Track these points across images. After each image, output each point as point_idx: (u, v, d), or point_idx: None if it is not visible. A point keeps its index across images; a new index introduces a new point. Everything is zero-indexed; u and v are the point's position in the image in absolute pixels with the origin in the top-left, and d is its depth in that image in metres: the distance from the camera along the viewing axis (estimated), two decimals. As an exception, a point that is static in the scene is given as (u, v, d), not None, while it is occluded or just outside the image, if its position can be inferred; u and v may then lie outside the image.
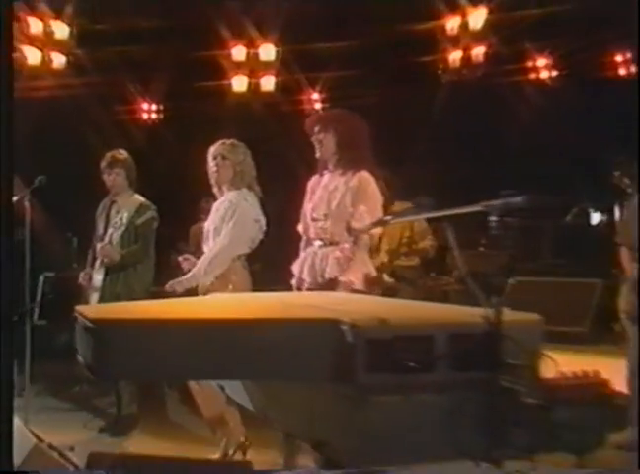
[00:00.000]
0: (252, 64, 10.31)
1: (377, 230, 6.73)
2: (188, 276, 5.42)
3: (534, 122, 9.42)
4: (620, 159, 6.42)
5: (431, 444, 2.89)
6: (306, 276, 5.07)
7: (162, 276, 6.71)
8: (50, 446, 4.81)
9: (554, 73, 9.71)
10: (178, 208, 8.64)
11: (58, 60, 9.70)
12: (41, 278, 8.19)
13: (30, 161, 8.44)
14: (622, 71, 9.37)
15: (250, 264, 5.65)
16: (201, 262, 5.44)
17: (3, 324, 2.99)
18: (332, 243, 5.01)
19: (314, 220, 5.10)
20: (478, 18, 9.29)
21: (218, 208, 5.60)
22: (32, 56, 9.57)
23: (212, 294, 5.12)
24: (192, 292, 5.42)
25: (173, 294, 5.65)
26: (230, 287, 5.38)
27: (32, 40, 9.51)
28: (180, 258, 5.70)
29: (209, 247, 5.55)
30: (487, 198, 3.21)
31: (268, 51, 10.19)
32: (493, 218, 9.14)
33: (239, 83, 10.42)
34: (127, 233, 6.51)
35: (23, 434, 4.69)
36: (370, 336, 2.80)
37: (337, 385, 2.88)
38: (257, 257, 5.94)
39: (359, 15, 9.28)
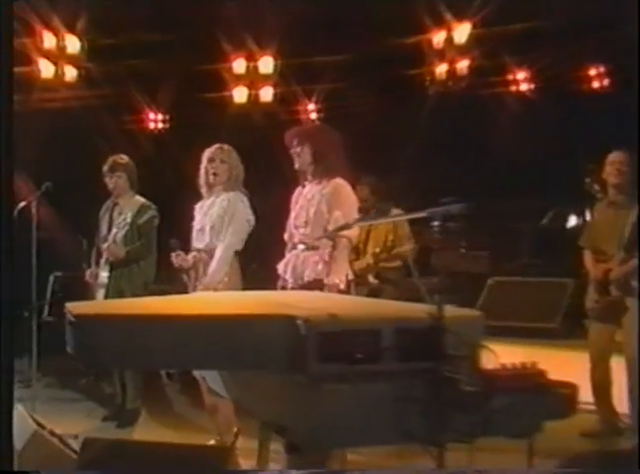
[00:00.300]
0: (252, 76, 10.37)
1: (362, 233, 6.92)
2: (208, 277, 5.58)
3: (515, 131, 9.52)
4: (590, 166, 6.52)
5: (379, 429, 3.01)
6: (289, 278, 5.24)
7: (163, 273, 6.88)
8: (52, 433, 4.94)
9: (532, 85, 9.81)
10: (181, 210, 8.75)
11: (70, 73, 9.80)
12: (51, 278, 8.34)
13: (44, 167, 8.65)
14: (595, 84, 9.49)
15: (247, 264, 5.85)
16: (217, 261, 5.59)
17: (4, 321, 3.05)
18: (313, 248, 5.16)
19: (296, 228, 5.27)
20: (462, 33, 9.39)
21: (211, 207, 5.77)
22: (45, 69, 9.68)
23: (199, 292, 5.26)
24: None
25: (172, 290, 5.82)
26: (226, 279, 5.57)
27: (45, 54, 9.62)
28: (172, 254, 5.84)
29: (205, 243, 5.71)
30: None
31: (267, 64, 10.26)
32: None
33: (240, 94, 10.51)
34: (130, 232, 6.65)
35: (24, 421, 4.81)
36: (321, 329, 2.94)
37: (292, 374, 3.01)
38: (254, 257, 6.09)
39: (352, 30, 9.37)
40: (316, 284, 4.99)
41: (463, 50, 9.50)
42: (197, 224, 5.84)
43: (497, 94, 9.97)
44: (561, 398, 3.47)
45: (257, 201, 5.92)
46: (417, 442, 3.02)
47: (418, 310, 3.07)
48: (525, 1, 8.50)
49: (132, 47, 9.56)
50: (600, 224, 6.29)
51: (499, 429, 3.09)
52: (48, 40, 9.52)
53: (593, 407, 6.28)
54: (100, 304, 4.09)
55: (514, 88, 9.93)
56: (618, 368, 6.22)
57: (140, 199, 6.79)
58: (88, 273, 6.74)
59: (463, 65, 9.60)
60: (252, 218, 5.75)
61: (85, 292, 6.80)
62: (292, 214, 5.33)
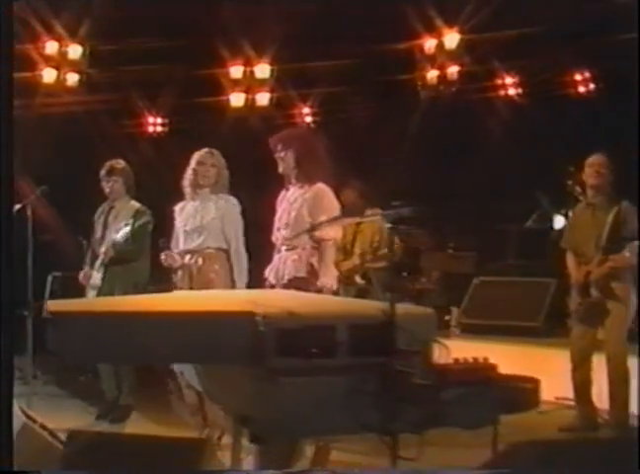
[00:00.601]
0: (249, 82, 10.52)
1: (348, 234, 7.05)
2: (240, 278, 5.78)
3: (503, 134, 9.65)
4: (572, 169, 6.58)
5: (334, 419, 3.15)
6: (272, 279, 5.38)
7: (156, 275, 6.99)
8: (42, 426, 5.06)
9: (520, 90, 9.93)
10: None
11: (72, 78, 9.94)
12: (50, 278, 8.47)
13: (46, 169, 8.80)
14: (581, 89, 9.62)
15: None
16: (241, 259, 5.83)
17: (3, 320, 3.12)
18: (292, 248, 5.29)
19: (278, 229, 5.41)
20: (453, 39, 9.53)
21: (200, 209, 5.93)
22: (48, 75, 9.83)
23: (178, 291, 5.41)
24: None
25: (164, 292, 5.95)
26: (212, 276, 5.73)
27: (48, 60, 9.77)
28: (162, 254, 5.99)
29: (197, 244, 5.88)
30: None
31: (263, 70, 10.40)
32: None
33: (237, 99, 10.63)
34: (125, 236, 6.72)
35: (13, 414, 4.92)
36: (280, 326, 3.08)
37: (254, 368, 3.15)
38: (249, 257, 6.22)
39: (346, 36, 9.50)
40: (296, 283, 5.12)
41: (454, 56, 9.62)
42: (184, 226, 5.98)
43: (486, 98, 10.08)
44: (520, 392, 3.57)
45: (255, 204, 6.08)
46: (371, 433, 3.15)
47: (372, 307, 3.20)
48: (514, 8, 8.62)
49: (132, 53, 9.70)
50: (580, 226, 6.35)
51: (451, 420, 3.22)
52: (51, 47, 9.67)
53: (572, 403, 6.38)
54: (76, 302, 4.23)
55: (502, 93, 10.05)
56: (599, 367, 6.28)
57: (136, 204, 6.88)
58: (82, 274, 6.82)
59: (453, 71, 9.71)
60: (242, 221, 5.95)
61: (83, 292, 6.89)
62: (276, 216, 5.46)
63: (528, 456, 2.77)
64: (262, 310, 3.12)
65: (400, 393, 3.11)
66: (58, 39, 9.66)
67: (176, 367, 4.79)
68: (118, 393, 6.77)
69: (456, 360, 3.31)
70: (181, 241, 6.00)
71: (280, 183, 5.71)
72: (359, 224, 7.53)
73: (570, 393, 6.37)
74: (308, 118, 11.00)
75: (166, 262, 5.96)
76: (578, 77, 9.57)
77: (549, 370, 6.76)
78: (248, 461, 3.90)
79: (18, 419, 4.78)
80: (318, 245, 5.23)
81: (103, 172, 6.84)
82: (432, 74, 9.92)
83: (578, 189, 6.54)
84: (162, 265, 6.15)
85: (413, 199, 9.20)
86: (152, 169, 9.78)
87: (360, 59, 9.89)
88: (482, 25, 9.11)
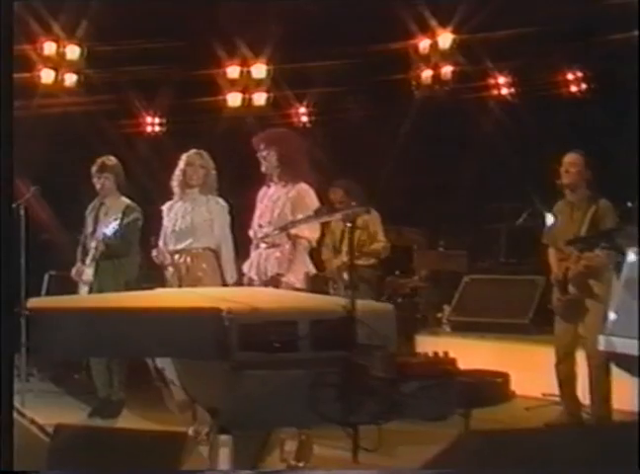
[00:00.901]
0: (245, 82, 10.67)
1: (337, 233, 7.17)
2: (231, 276, 5.97)
3: (494, 133, 9.75)
4: (556, 168, 6.66)
5: (297, 411, 3.28)
6: (253, 275, 5.51)
7: (147, 272, 7.12)
8: (32, 421, 5.20)
9: (512, 90, 10.04)
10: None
11: (70, 79, 10.09)
12: (46, 276, 8.60)
13: (46, 170, 8.94)
14: (573, 88, 9.73)
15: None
16: (230, 259, 6.03)
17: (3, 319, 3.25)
18: (274, 246, 5.43)
19: (260, 226, 5.53)
20: (446, 39, 9.65)
21: (189, 209, 6.08)
22: (46, 76, 9.98)
23: (159, 289, 5.55)
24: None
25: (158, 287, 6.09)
26: (199, 274, 5.88)
27: (46, 61, 9.92)
28: (154, 251, 6.14)
29: (187, 244, 6.04)
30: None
31: (260, 70, 10.56)
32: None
33: (234, 99, 10.77)
34: (115, 231, 6.82)
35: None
36: (243, 321, 3.22)
37: (219, 362, 3.29)
38: (240, 255, 6.36)
39: (341, 37, 9.62)
40: (277, 279, 5.26)
41: (447, 56, 9.75)
42: (174, 225, 6.13)
43: (479, 98, 10.20)
44: (488, 386, 3.67)
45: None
46: (332, 424, 3.28)
47: (333, 303, 3.33)
48: (508, 9, 8.73)
49: (130, 54, 9.85)
50: (560, 223, 6.46)
51: (411, 412, 3.35)
52: (49, 48, 9.82)
53: (558, 399, 6.48)
54: (55, 299, 4.38)
55: (495, 92, 10.16)
56: (583, 362, 6.36)
57: (126, 201, 6.99)
58: (74, 270, 6.93)
59: (447, 70, 9.84)
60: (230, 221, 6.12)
61: (77, 290, 7.01)
62: (257, 213, 5.59)
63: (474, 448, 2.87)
64: (227, 306, 3.26)
65: (360, 386, 3.24)
66: (56, 40, 9.80)
67: (159, 364, 4.93)
68: (110, 390, 6.89)
69: (416, 355, 3.44)
70: (171, 240, 6.14)
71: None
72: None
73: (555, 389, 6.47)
74: (304, 118, 11.12)
75: (157, 259, 6.13)
76: (570, 77, 9.67)
77: (536, 367, 6.91)
78: (223, 453, 4.03)
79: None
80: (293, 243, 5.36)
81: (94, 168, 6.93)
82: (426, 74, 10.03)
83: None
84: (154, 261, 6.30)
85: (405, 198, 9.37)
86: (149, 168, 9.90)
87: (355, 59, 10.02)
88: (476, 25, 9.23)
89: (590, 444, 3.03)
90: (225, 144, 9.37)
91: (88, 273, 6.80)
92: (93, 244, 6.79)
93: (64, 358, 6.33)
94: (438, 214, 9.67)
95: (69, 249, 8.10)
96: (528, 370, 7.05)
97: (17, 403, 5.36)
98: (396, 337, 3.43)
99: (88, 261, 6.82)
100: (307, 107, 11.14)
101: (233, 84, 10.70)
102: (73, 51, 9.96)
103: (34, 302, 3.62)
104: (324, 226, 6.28)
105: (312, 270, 5.46)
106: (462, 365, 6.46)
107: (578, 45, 9.17)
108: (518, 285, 8.23)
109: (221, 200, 6.17)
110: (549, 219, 8.77)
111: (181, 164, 6.19)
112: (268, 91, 10.74)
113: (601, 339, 3.95)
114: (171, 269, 6.13)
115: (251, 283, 5.52)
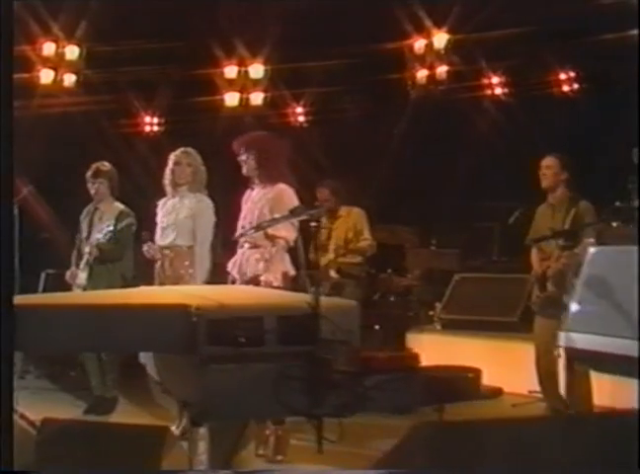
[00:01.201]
0: (243, 81, 10.80)
1: (324, 231, 7.31)
2: (200, 275, 6.10)
3: (488, 133, 9.88)
4: None
5: (264, 404, 3.43)
6: (236, 274, 5.66)
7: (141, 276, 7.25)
8: (22, 416, 5.36)
9: (507, 89, 10.16)
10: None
11: (69, 79, 10.23)
12: (43, 275, 8.75)
13: (45, 169, 9.09)
14: (565, 88, 9.84)
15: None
16: (203, 258, 6.11)
17: (3, 318, 3.30)
18: (255, 246, 5.57)
19: (243, 227, 5.68)
20: (441, 39, 9.78)
21: (176, 207, 6.24)
22: (45, 76, 10.13)
23: (142, 287, 5.69)
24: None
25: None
26: (182, 272, 6.04)
27: (45, 61, 10.07)
28: (145, 246, 6.29)
29: (169, 241, 6.20)
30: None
31: (257, 70, 10.68)
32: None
33: (231, 98, 10.91)
34: (108, 236, 6.96)
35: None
36: (211, 317, 3.37)
37: (188, 356, 3.44)
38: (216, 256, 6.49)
39: (338, 37, 9.74)
40: (257, 280, 5.40)
41: (442, 57, 9.89)
42: (161, 222, 6.28)
43: (473, 97, 10.32)
44: (458, 381, 3.82)
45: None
46: (297, 416, 3.43)
47: (298, 300, 3.48)
48: (503, 8, 8.84)
49: (129, 54, 9.98)
50: (542, 223, 6.60)
51: (373, 405, 3.49)
52: (48, 48, 9.97)
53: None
54: (37, 296, 4.54)
55: (489, 92, 10.29)
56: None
57: (120, 206, 7.13)
58: (68, 273, 7.08)
59: (442, 70, 9.97)
60: (215, 219, 6.23)
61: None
62: (242, 214, 5.74)
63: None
64: (196, 303, 3.41)
65: (324, 379, 3.38)
66: (56, 41, 9.95)
67: (142, 359, 5.08)
68: (104, 388, 7.04)
69: (379, 348, 3.58)
70: (159, 236, 6.30)
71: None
72: (333, 222, 7.83)
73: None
74: (301, 118, 11.27)
75: (148, 253, 6.28)
76: (563, 76, 9.80)
77: (523, 364, 7.03)
78: (201, 446, 4.18)
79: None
80: (272, 243, 5.50)
81: (89, 173, 7.07)
82: (421, 74, 10.16)
83: None
84: (147, 263, 6.44)
85: (398, 196, 9.48)
86: (147, 167, 10.03)
87: (351, 59, 10.16)
88: (471, 25, 9.35)
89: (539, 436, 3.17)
90: (223, 144, 9.48)
91: (82, 277, 6.93)
92: (87, 249, 6.93)
93: (41, 354, 6.44)
94: (430, 213, 9.79)
95: (67, 248, 8.26)
96: (516, 368, 7.21)
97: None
98: (359, 332, 3.55)
99: (82, 265, 6.95)
100: (304, 106, 11.29)
101: (231, 84, 10.82)
102: (72, 52, 10.06)
103: (18, 299, 3.77)
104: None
105: (291, 270, 5.58)
106: (454, 363, 6.71)
107: (572, 45, 9.26)
108: (507, 284, 8.35)
109: (206, 198, 6.27)
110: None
111: (170, 163, 6.35)
112: (265, 91, 10.86)
113: (562, 335, 4.06)
114: (159, 263, 6.28)
115: (234, 282, 5.67)
